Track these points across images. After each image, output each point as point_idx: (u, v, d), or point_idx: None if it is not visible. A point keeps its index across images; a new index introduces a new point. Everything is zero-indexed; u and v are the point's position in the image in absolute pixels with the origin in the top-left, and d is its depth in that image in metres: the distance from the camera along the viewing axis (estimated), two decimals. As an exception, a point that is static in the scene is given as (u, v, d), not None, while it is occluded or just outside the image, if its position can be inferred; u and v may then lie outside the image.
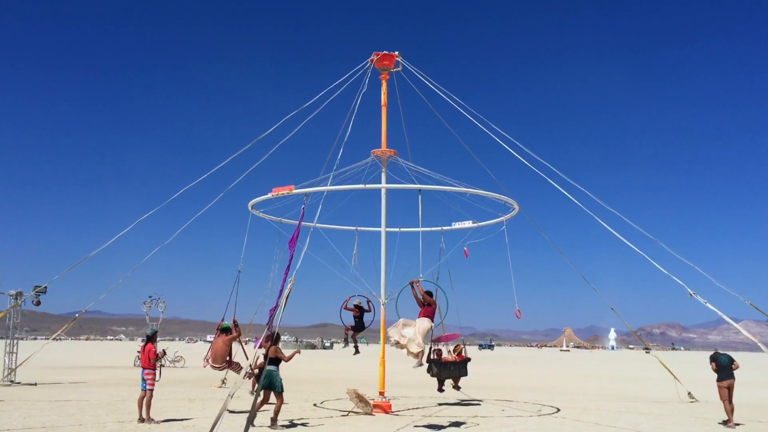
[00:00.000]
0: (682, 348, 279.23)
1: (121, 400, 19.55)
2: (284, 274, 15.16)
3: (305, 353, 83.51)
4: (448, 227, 20.20)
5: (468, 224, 19.83)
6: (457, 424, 15.85)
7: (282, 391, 14.62)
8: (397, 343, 13.91)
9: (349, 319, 18.56)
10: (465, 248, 19.14)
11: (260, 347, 15.27)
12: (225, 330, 16.47)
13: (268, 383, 14.33)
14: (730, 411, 16.18)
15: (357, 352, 19.49)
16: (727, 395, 16.23)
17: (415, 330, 13.85)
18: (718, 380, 16.48)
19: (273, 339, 14.71)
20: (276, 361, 14.53)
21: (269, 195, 17.93)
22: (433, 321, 14.27)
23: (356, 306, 18.54)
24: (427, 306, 14.32)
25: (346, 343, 19.46)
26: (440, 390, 18.18)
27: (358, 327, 18.61)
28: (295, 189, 17.62)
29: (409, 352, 13.94)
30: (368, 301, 18.39)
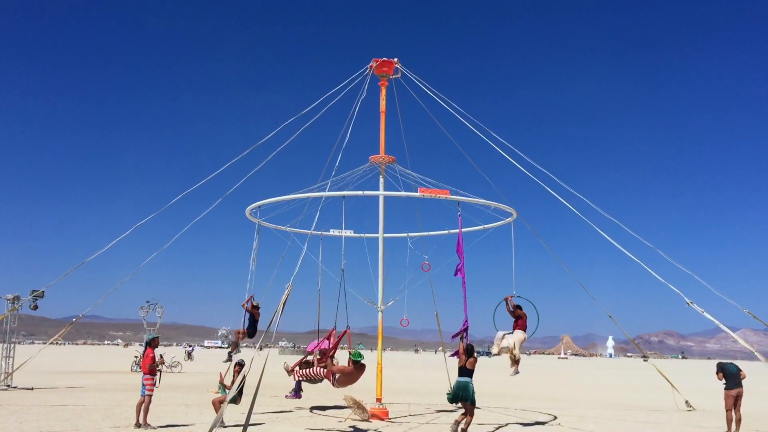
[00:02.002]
0: (679, 356, 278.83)
1: (118, 405, 19.49)
2: (462, 280, 16.06)
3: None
4: (327, 233, 19.88)
5: (348, 233, 19.65)
6: (454, 432, 15.83)
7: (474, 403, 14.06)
8: (499, 353, 15.65)
9: (246, 322, 17.86)
10: (425, 262, 18.57)
11: (455, 356, 15.09)
12: (358, 361, 15.34)
13: (462, 395, 13.88)
14: (734, 421, 15.98)
15: (229, 359, 17.78)
16: (732, 404, 16.02)
17: (512, 341, 15.43)
18: (727, 388, 16.16)
19: (468, 351, 14.38)
20: (471, 372, 14.08)
21: (418, 194, 17.06)
22: (525, 332, 15.74)
23: (255, 307, 17.75)
24: (519, 319, 15.83)
25: (237, 348, 17.85)
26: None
27: (252, 332, 17.79)
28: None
29: (512, 361, 15.70)
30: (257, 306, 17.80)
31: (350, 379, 15.19)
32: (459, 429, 13.81)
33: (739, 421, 16.03)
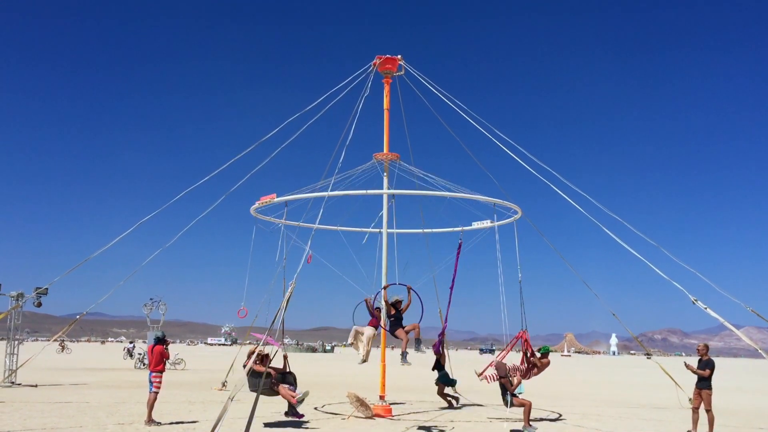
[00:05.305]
0: (683, 354, 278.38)
1: (122, 402, 19.52)
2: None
3: (305, 356, 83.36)
4: (375, 230, 19.85)
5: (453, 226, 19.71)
6: (457, 429, 15.83)
7: None
8: (352, 344, 17.93)
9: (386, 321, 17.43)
10: (309, 254, 18.38)
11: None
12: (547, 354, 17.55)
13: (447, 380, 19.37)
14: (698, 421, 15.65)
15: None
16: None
17: (363, 335, 17.64)
18: (708, 387, 15.53)
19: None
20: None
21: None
22: (375, 330, 17.72)
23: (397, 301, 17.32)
24: (372, 318, 17.81)
25: (404, 358, 17.02)
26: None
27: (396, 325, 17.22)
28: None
29: (358, 352, 17.74)
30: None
31: (543, 370, 17.20)
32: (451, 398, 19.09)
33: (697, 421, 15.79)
